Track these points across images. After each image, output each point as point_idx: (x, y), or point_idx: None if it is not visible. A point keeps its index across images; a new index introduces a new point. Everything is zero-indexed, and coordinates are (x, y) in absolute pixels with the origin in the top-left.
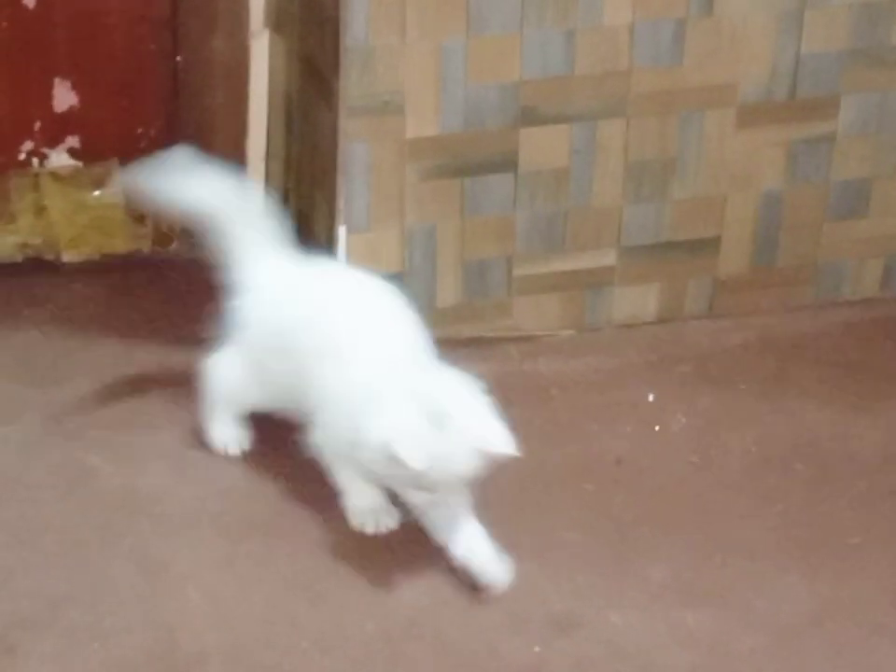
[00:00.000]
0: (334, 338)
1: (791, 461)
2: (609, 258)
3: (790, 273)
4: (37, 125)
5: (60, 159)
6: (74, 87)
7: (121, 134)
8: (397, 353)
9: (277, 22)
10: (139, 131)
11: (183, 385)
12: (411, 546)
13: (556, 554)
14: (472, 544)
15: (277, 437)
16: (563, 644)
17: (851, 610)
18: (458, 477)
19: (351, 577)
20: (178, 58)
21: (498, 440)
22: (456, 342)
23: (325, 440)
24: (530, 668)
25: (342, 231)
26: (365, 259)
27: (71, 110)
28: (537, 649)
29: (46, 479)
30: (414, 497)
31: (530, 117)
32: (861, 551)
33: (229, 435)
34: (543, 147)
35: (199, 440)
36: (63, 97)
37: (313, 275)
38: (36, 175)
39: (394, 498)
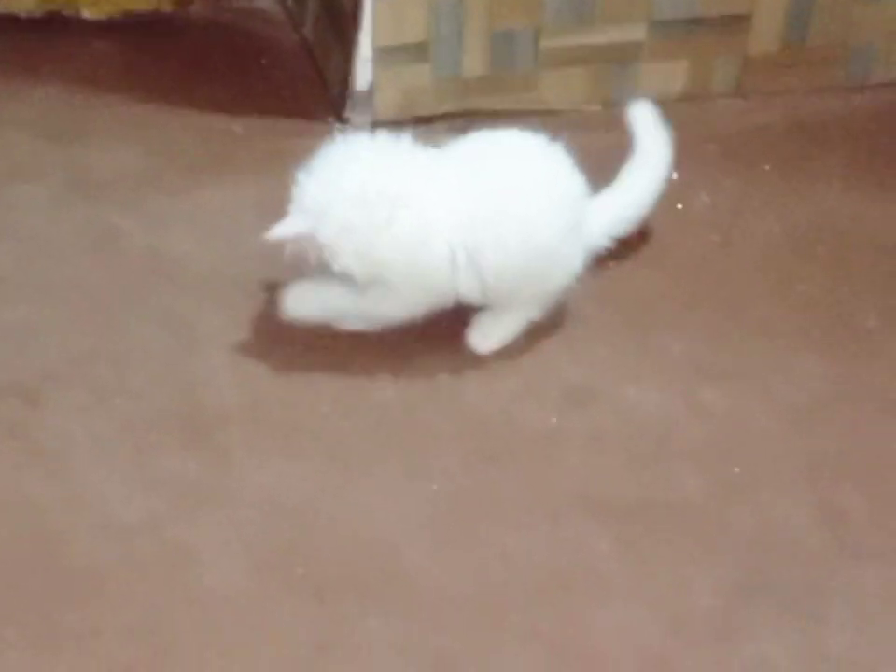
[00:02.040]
0: None
1: (813, 244)
2: (638, 32)
3: (820, 53)
4: None
5: None
6: None
7: None
8: None
9: None
10: None
11: (205, 152)
12: (434, 321)
13: (575, 328)
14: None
15: None
16: (578, 415)
17: (865, 391)
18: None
19: (372, 346)
20: None
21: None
22: (481, 114)
23: None
24: (545, 436)
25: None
26: (390, 27)
27: None
28: (553, 419)
29: (71, 238)
30: None
31: None
32: (878, 334)
33: None
34: None
35: (217, 205)
36: None
37: None
38: None
39: None
